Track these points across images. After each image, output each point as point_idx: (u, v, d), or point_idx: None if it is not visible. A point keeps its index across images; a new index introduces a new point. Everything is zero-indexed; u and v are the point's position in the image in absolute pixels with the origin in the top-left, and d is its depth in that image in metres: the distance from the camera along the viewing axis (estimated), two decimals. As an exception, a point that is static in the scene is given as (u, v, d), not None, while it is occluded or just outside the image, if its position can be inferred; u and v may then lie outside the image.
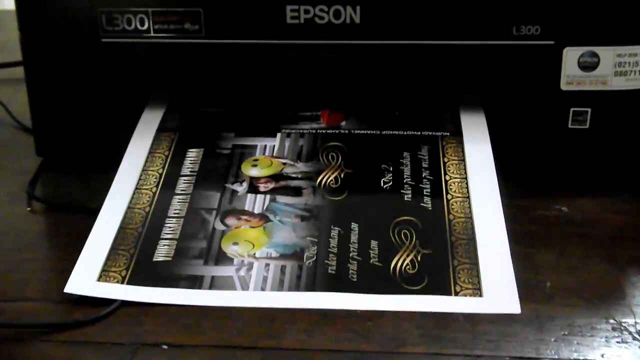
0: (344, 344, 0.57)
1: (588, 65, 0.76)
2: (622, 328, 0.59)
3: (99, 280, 0.63)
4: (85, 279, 0.63)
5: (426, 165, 0.73)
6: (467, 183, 0.71)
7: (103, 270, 0.64)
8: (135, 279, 0.63)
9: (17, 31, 0.80)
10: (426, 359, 0.56)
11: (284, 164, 0.74)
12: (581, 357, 0.56)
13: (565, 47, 0.76)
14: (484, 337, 0.58)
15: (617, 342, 0.57)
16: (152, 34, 0.78)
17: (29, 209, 0.77)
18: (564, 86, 0.77)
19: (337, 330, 0.58)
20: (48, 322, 0.60)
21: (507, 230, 0.67)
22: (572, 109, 0.78)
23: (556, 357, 0.56)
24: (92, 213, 0.70)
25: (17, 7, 0.79)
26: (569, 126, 0.78)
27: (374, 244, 0.66)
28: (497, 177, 0.72)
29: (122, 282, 0.63)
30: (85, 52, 0.79)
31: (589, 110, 0.78)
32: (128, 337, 0.58)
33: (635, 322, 0.59)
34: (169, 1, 0.77)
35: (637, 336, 0.58)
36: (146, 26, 0.78)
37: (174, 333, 0.58)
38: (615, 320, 0.60)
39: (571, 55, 0.76)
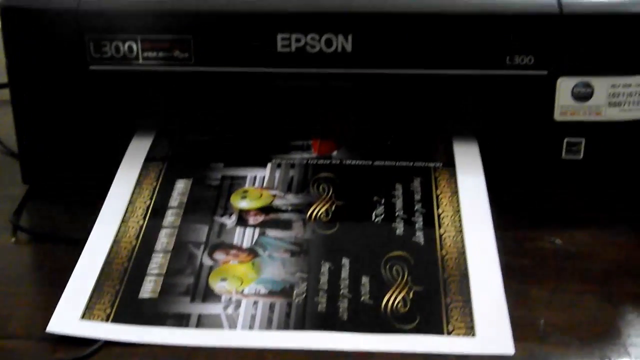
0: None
1: (582, 95, 0.75)
2: (617, 369, 0.58)
3: (82, 318, 0.62)
4: (69, 316, 0.62)
5: (418, 198, 0.72)
6: (460, 217, 0.70)
7: (87, 307, 0.62)
8: (120, 317, 0.62)
9: (1, 52, 0.79)
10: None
11: (274, 195, 0.73)
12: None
13: (559, 77, 0.75)
14: (477, 379, 0.56)
15: (613, 384, 0.56)
16: (140, 62, 0.77)
17: (13, 239, 0.76)
18: (557, 116, 0.76)
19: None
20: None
21: (500, 263, 0.66)
22: (565, 140, 0.77)
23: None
24: (78, 244, 0.69)
25: (4, 31, 0.78)
26: (563, 157, 0.77)
27: (365, 280, 0.64)
28: (491, 208, 0.71)
29: (107, 320, 0.61)
30: (73, 80, 0.78)
31: (583, 140, 0.77)
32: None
33: (631, 364, 0.58)
34: (158, 28, 0.76)
35: (632, 378, 0.57)
36: (135, 53, 0.77)
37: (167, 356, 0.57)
38: (610, 360, 0.59)
39: (565, 86, 0.75)
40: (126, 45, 0.76)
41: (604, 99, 0.75)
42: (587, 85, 0.75)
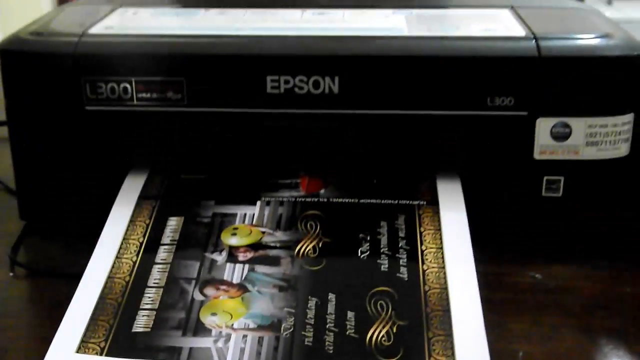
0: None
1: (560, 135, 0.77)
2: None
3: (77, 351, 0.63)
4: (64, 351, 0.63)
5: (403, 235, 0.73)
6: (442, 253, 0.71)
7: (82, 341, 0.64)
8: (114, 351, 0.63)
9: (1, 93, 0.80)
10: None
11: (263, 232, 0.74)
12: None
13: (538, 118, 0.76)
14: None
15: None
16: (135, 102, 0.78)
17: (11, 274, 0.77)
18: (537, 155, 0.77)
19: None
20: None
21: (481, 298, 0.67)
22: (545, 178, 0.78)
23: None
24: (74, 279, 0.70)
25: (3, 73, 0.80)
26: (543, 194, 0.79)
27: (350, 315, 0.66)
28: (473, 244, 0.72)
29: (101, 354, 0.63)
30: (70, 119, 0.79)
31: (562, 178, 0.78)
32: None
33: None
34: (152, 71, 0.78)
35: (607, 411, 0.59)
36: (129, 95, 0.78)
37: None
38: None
39: (544, 126, 0.76)
40: (121, 86, 0.78)
41: (582, 138, 0.77)
42: (566, 125, 0.76)
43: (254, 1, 0.92)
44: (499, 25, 0.81)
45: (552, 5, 0.92)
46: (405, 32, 0.80)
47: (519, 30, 0.79)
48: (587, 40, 0.77)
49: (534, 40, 0.76)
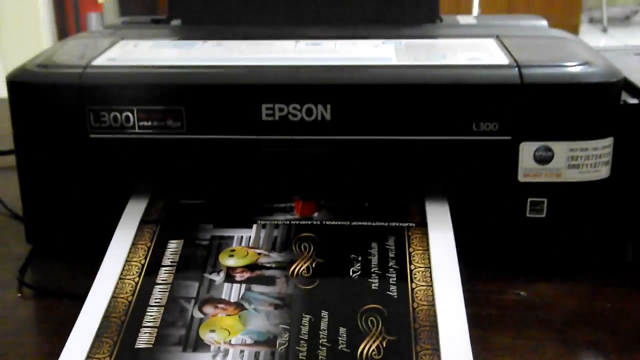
0: None
1: (543, 158, 0.79)
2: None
3: (84, 367, 0.66)
4: (71, 366, 0.66)
5: (392, 255, 0.76)
6: (430, 272, 0.74)
7: (88, 357, 0.66)
8: (118, 366, 0.66)
9: (7, 120, 0.83)
10: None
11: (259, 254, 0.77)
12: None
13: (521, 142, 0.79)
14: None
15: None
16: (136, 130, 0.81)
17: (19, 295, 0.80)
18: (521, 178, 0.80)
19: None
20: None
21: (467, 313, 0.69)
22: (529, 199, 0.81)
23: None
24: (79, 299, 0.73)
25: (11, 103, 0.83)
26: (527, 215, 0.81)
27: (342, 330, 0.68)
28: (460, 263, 0.74)
29: (106, 369, 0.66)
30: (74, 147, 0.82)
31: (545, 200, 0.81)
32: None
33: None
34: (152, 100, 0.80)
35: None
36: (131, 123, 0.81)
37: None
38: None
39: (527, 150, 0.79)
40: (123, 115, 0.81)
41: (564, 162, 0.79)
42: (548, 149, 0.79)
43: (250, 33, 0.95)
44: (483, 54, 0.84)
45: (536, 34, 0.96)
46: (394, 61, 0.83)
47: (502, 59, 0.82)
48: (568, 67, 0.80)
49: (516, 68, 0.79)
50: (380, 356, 0.66)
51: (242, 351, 0.67)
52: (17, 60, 0.85)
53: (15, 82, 0.82)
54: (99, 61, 0.84)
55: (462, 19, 1.05)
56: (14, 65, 0.82)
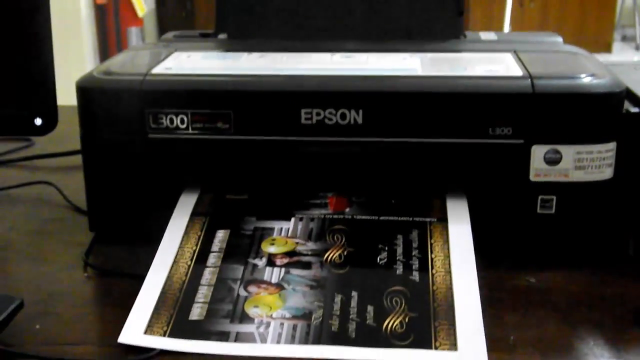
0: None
1: (552, 160, 0.84)
2: (569, 374, 0.68)
3: (145, 333, 0.73)
4: (135, 332, 0.73)
5: (415, 246, 0.82)
6: (449, 261, 0.80)
7: (148, 325, 0.74)
8: (174, 334, 0.73)
9: (65, 124, 0.89)
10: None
11: (297, 243, 0.83)
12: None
13: (533, 145, 0.84)
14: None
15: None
16: (190, 131, 0.87)
17: (85, 274, 0.87)
18: (532, 177, 0.85)
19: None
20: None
21: (482, 296, 0.75)
22: (539, 197, 0.86)
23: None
24: (138, 278, 0.80)
25: (79, 106, 0.89)
26: (538, 211, 0.86)
27: (370, 308, 0.75)
28: (476, 254, 0.80)
29: (164, 336, 0.73)
30: (134, 146, 0.88)
31: (554, 198, 0.86)
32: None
33: (580, 370, 0.69)
34: (204, 104, 0.87)
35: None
36: (185, 125, 0.87)
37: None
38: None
39: (538, 152, 0.84)
40: (179, 118, 0.87)
41: (571, 163, 0.84)
42: (557, 152, 0.84)
43: (290, 46, 1.01)
44: (500, 67, 0.90)
45: (550, 49, 1.01)
46: (420, 72, 0.90)
47: (517, 71, 0.88)
48: (576, 79, 0.85)
49: (529, 79, 0.85)
50: (403, 330, 0.73)
51: (282, 324, 0.74)
52: (60, 75, 0.89)
53: (83, 88, 0.89)
54: (157, 70, 0.91)
55: (484, 35, 1.10)
56: (58, 80, 0.87)
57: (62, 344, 0.74)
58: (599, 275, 0.85)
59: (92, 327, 0.79)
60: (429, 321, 0.74)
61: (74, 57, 3.29)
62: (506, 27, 4.62)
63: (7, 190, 1.10)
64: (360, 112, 0.85)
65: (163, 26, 4.91)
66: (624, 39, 5.59)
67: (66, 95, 0.90)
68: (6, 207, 1.06)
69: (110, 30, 4.04)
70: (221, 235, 0.85)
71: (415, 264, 0.80)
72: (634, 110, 0.86)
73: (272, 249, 0.83)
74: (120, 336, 0.73)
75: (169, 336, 0.73)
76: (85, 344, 0.74)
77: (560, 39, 1.07)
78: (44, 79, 0.80)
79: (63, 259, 0.90)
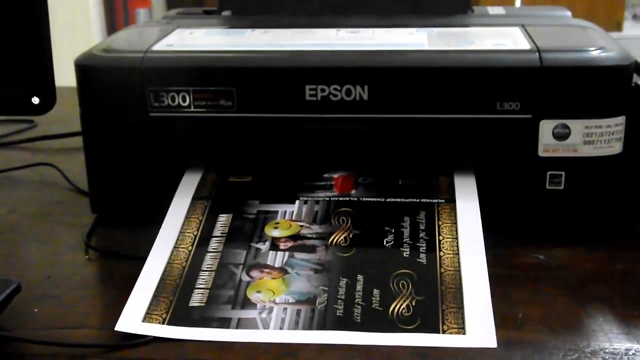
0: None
1: (561, 135, 0.80)
2: (577, 349, 0.65)
3: (143, 321, 0.68)
4: (132, 320, 0.68)
5: (423, 228, 0.77)
6: (457, 242, 0.75)
7: (147, 313, 0.69)
8: (173, 321, 0.68)
9: (69, 106, 0.85)
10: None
11: (301, 226, 0.78)
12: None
13: (541, 120, 0.80)
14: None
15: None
16: (192, 109, 0.83)
17: (86, 256, 0.82)
18: (541, 153, 0.81)
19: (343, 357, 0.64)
20: (107, 344, 0.66)
21: (491, 273, 0.71)
22: (548, 173, 0.82)
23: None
24: (139, 260, 0.75)
25: (78, 85, 0.85)
26: (547, 187, 0.82)
27: (376, 292, 0.70)
28: (485, 231, 0.76)
29: (163, 323, 0.68)
30: (135, 125, 0.84)
31: (563, 173, 0.81)
32: (173, 355, 0.65)
33: (588, 344, 0.65)
34: (207, 82, 0.82)
35: (589, 355, 0.64)
36: (187, 102, 0.83)
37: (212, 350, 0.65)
38: (572, 343, 0.65)
39: (546, 127, 0.80)
40: (180, 95, 0.82)
41: (580, 138, 0.80)
42: (565, 126, 0.80)
43: (294, 22, 0.96)
44: (508, 41, 0.85)
45: (558, 23, 0.96)
46: (426, 47, 0.85)
47: (525, 45, 0.83)
48: (584, 52, 0.81)
49: (537, 53, 0.80)
50: (410, 313, 0.68)
51: (285, 309, 0.69)
52: (68, 57, 0.86)
53: (82, 65, 0.84)
54: (158, 47, 0.86)
55: (492, 10, 1.05)
56: (65, 61, 0.83)
57: (61, 327, 0.69)
58: (608, 252, 0.81)
59: (92, 310, 0.74)
60: (437, 304, 0.69)
61: (82, 38, 3.23)
62: (517, 3, 4.55)
63: (8, 172, 1.06)
64: (366, 87, 0.81)
65: (172, 7, 4.85)
66: (635, 17, 5.51)
67: (73, 77, 0.85)
68: (8, 189, 1.01)
69: (118, 12, 3.98)
70: (223, 219, 0.80)
71: (423, 246, 0.75)
72: (644, 83, 0.81)
73: (276, 233, 0.78)
74: (117, 324, 0.68)
75: (168, 323, 0.68)
76: (84, 328, 0.69)
77: (569, 13, 1.02)
78: (40, 56, 0.74)
79: (64, 241, 0.86)
